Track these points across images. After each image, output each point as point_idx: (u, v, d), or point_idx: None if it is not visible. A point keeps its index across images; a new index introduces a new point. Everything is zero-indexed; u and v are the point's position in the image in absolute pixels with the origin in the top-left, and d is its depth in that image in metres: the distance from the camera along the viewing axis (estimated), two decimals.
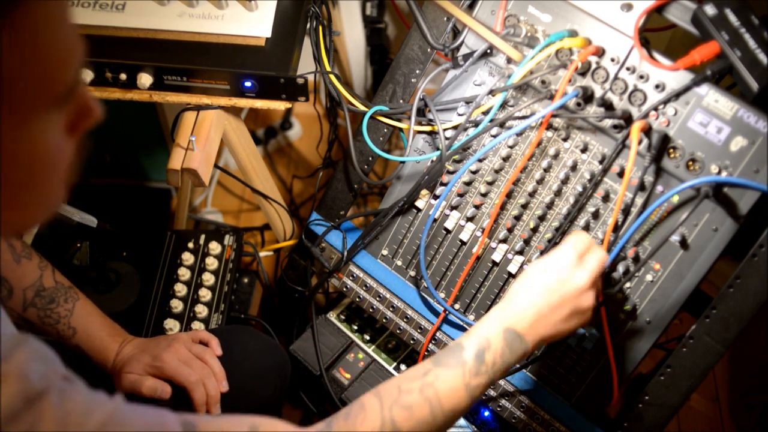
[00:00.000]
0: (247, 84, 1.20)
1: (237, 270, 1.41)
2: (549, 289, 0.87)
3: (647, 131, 0.99)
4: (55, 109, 0.54)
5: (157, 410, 0.69)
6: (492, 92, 1.09)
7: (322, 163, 1.58)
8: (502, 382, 1.16)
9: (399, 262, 1.24)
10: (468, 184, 1.16)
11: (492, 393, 1.16)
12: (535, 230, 1.12)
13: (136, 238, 1.43)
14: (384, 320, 1.24)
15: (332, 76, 1.25)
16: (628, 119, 1.01)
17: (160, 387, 1.08)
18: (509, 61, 1.10)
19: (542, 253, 1.10)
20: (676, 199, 1.01)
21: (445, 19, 1.15)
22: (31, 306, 1.07)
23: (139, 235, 1.44)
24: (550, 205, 1.10)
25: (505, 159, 1.13)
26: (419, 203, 1.20)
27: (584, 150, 1.07)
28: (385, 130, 1.24)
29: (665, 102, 0.98)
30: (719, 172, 0.97)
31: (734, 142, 0.95)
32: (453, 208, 1.17)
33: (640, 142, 0.99)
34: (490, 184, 1.15)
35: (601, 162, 1.06)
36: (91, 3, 1.24)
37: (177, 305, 1.34)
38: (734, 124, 0.95)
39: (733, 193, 0.96)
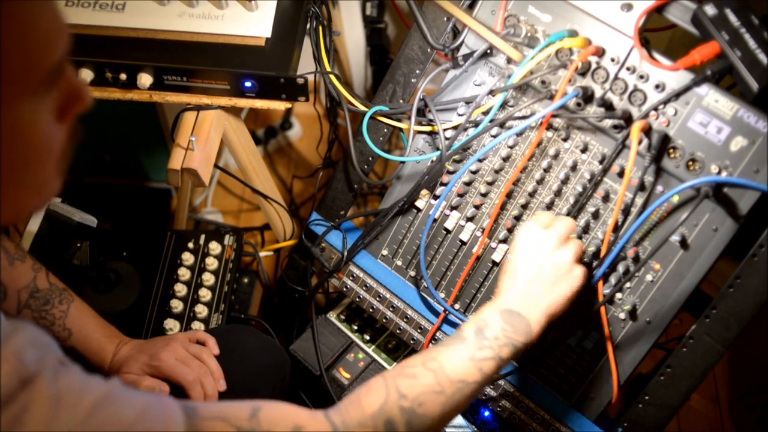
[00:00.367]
0: (247, 84, 1.20)
1: (237, 270, 1.41)
2: (525, 262, 0.94)
3: (647, 131, 0.99)
4: (41, 93, 0.55)
5: (155, 394, 0.69)
6: (492, 92, 1.09)
7: (322, 163, 1.58)
8: (502, 382, 1.16)
9: (399, 262, 1.24)
10: (468, 184, 1.16)
11: (492, 393, 1.16)
12: None
13: (136, 238, 1.43)
14: (384, 320, 1.24)
15: (332, 76, 1.25)
16: (628, 119, 1.01)
17: (158, 386, 1.08)
18: (509, 61, 1.10)
19: None
20: (676, 199, 1.01)
21: (445, 19, 1.15)
22: (26, 308, 1.07)
23: (139, 235, 1.44)
24: (550, 205, 1.10)
25: (505, 159, 1.13)
26: (419, 203, 1.20)
27: (584, 150, 1.07)
28: (385, 130, 1.24)
29: (665, 102, 0.98)
30: (719, 172, 0.97)
31: (734, 142, 0.95)
32: (453, 208, 1.17)
33: (640, 142, 0.99)
34: (490, 184, 1.15)
35: (601, 162, 1.06)
36: (91, 3, 1.24)
37: (177, 305, 1.34)
38: (734, 124, 0.95)
39: (733, 193, 0.96)
